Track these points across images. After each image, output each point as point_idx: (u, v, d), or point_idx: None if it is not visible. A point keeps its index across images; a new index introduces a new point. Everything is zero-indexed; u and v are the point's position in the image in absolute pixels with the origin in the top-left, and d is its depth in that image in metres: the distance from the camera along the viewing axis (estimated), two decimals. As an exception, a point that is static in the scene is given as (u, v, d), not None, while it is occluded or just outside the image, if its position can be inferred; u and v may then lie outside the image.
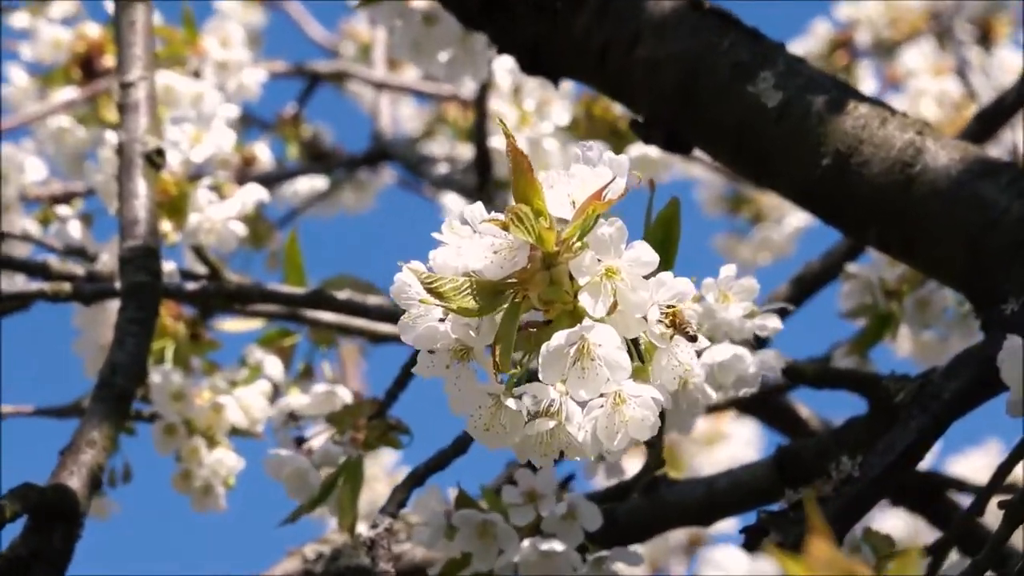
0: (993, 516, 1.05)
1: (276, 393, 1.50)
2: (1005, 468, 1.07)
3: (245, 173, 1.89)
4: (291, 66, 2.42)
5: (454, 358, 0.86)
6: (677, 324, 0.86)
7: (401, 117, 2.70)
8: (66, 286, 1.39)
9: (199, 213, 1.47)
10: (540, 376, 0.85)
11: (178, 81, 1.67)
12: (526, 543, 1.15)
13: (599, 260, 0.86)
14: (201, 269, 1.52)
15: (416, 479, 1.14)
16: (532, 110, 1.67)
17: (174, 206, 1.47)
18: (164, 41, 1.78)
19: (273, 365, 1.53)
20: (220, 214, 1.47)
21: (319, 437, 1.28)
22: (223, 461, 1.45)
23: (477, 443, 1.10)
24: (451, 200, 2.20)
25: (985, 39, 2.43)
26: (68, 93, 1.78)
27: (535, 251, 0.86)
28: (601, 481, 1.31)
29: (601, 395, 0.86)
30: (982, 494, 1.08)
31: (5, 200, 1.71)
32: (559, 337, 0.84)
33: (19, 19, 1.86)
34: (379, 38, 2.46)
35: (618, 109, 1.67)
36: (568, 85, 1.65)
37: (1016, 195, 1.17)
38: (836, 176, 1.22)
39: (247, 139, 2.10)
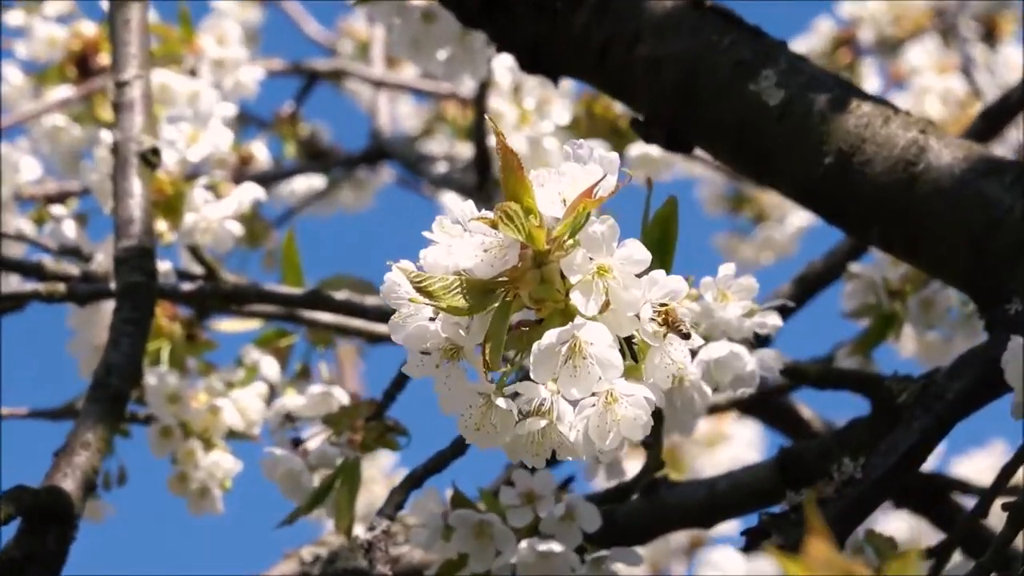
0: (997, 518, 1.04)
1: (273, 394, 1.50)
2: (1009, 470, 1.06)
3: (242, 172, 1.88)
4: (289, 64, 2.42)
5: (444, 357, 0.86)
6: (670, 322, 0.86)
7: (400, 115, 2.70)
8: (61, 286, 1.39)
9: (195, 213, 1.46)
10: (531, 375, 0.85)
11: (174, 79, 1.67)
12: (524, 544, 1.14)
13: (591, 258, 0.85)
14: (197, 269, 1.51)
15: (414, 481, 1.14)
16: (532, 109, 1.66)
17: (170, 206, 1.46)
18: (160, 39, 1.78)
19: (270, 366, 1.53)
20: (216, 213, 1.46)
21: (316, 438, 1.27)
22: (219, 464, 1.45)
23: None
24: (450, 199, 2.19)
25: (990, 36, 2.42)
26: (63, 92, 1.79)
27: (526, 249, 0.86)
28: (601, 483, 1.31)
29: (593, 394, 0.85)
30: (986, 496, 1.07)
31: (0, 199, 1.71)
32: (550, 335, 0.84)
33: (14, 17, 1.86)
34: (377, 36, 2.46)
35: (619, 108, 1.67)
36: (569, 84, 1.64)
37: (1021, 194, 1.16)
38: (838, 175, 1.21)
39: (244, 138, 2.10)
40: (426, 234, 0.87)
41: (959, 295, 1.47)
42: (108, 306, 1.33)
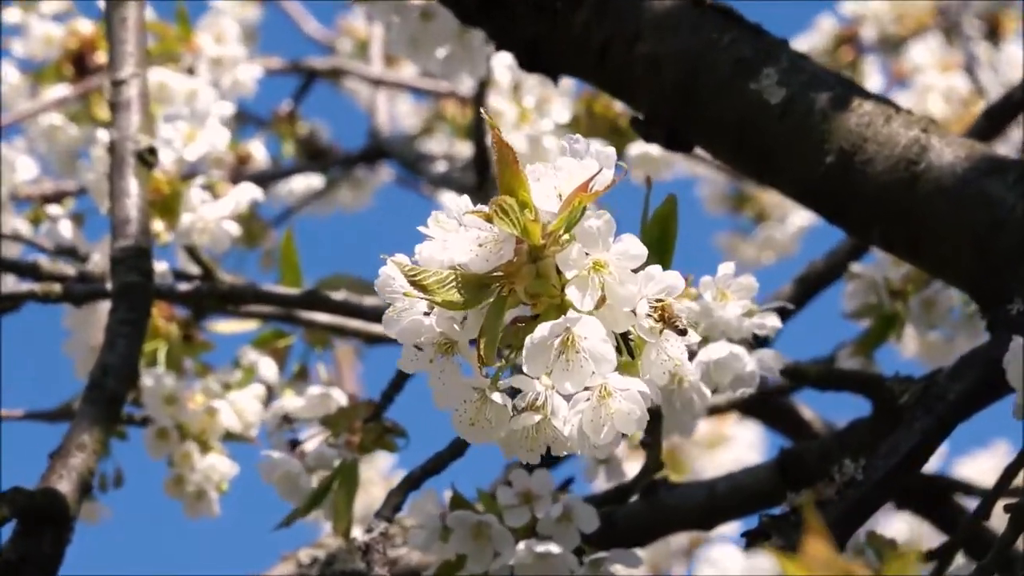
0: (1000, 520, 1.04)
1: (270, 395, 1.50)
2: (1011, 471, 1.05)
3: (240, 171, 1.88)
4: (287, 63, 2.41)
5: (439, 352, 0.86)
6: (666, 318, 0.85)
7: (399, 114, 2.70)
8: (56, 287, 1.38)
9: (192, 212, 1.46)
10: (525, 369, 0.84)
11: (172, 78, 1.67)
12: (521, 545, 1.14)
13: (586, 253, 0.85)
14: (194, 269, 1.51)
15: (412, 483, 1.13)
16: (532, 107, 1.66)
17: (167, 205, 1.46)
18: (157, 37, 1.78)
19: (267, 367, 1.53)
20: (213, 213, 1.46)
21: (313, 440, 1.27)
22: (216, 466, 1.44)
23: (474, 447, 1.10)
24: (449, 199, 2.18)
25: (993, 34, 2.42)
26: (60, 90, 1.78)
27: (521, 244, 0.85)
28: (601, 484, 1.31)
29: (587, 388, 0.85)
30: (988, 498, 1.07)
31: (-4, 199, 1.71)
32: (543, 329, 0.84)
33: (10, 15, 1.85)
34: (376, 34, 2.46)
35: (619, 106, 1.66)
36: (569, 82, 1.64)
37: (1023, 193, 1.15)
38: (839, 174, 1.21)
39: (242, 137, 2.11)
40: (421, 229, 0.86)
41: (961, 295, 1.47)
42: (104, 306, 1.32)
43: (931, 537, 1.71)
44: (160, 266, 1.42)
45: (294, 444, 1.27)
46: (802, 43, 2.47)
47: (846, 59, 2.48)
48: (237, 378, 1.50)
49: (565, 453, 0.87)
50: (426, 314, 0.85)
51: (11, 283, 1.56)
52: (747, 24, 1.25)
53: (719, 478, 1.42)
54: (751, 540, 1.07)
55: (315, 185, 2.44)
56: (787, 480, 1.35)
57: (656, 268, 0.85)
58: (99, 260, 1.46)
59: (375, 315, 1.42)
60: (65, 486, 1.13)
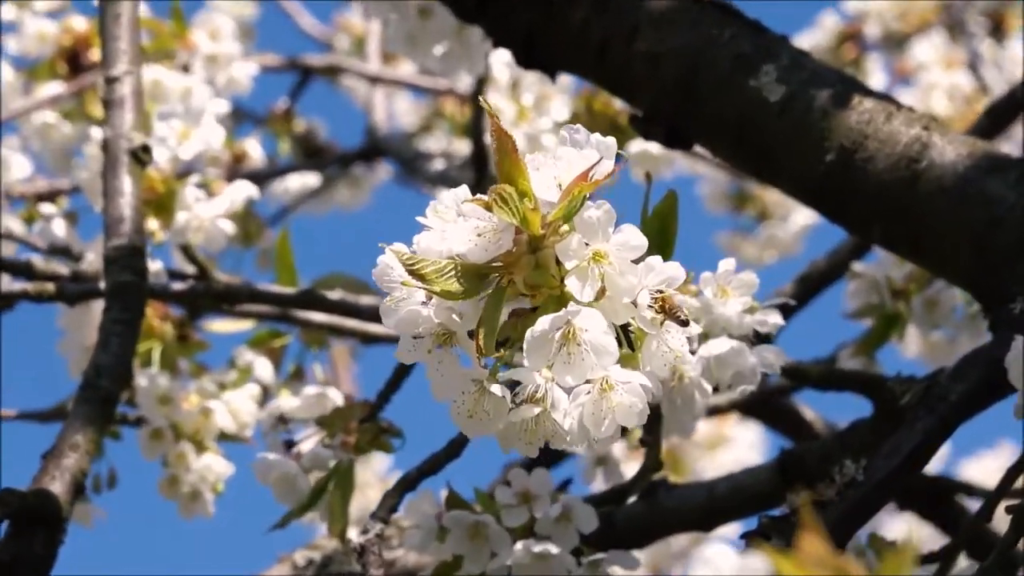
0: (1002, 521, 1.04)
1: (266, 395, 1.49)
2: (1014, 472, 1.05)
3: (235, 170, 1.87)
4: (283, 59, 2.41)
5: (437, 342, 0.85)
6: (667, 309, 0.85)
7: (398, 112, 2.69)
8: (50, 286, 1.38)
9: (187, 211, 1.46)
10: (525, 362, 0.84)
11: (166, 76, 1.66)
12: (519, 545, 1.13)
13: (586, 244, 0.84)
14: (191, 269, 1.50)
15: (408, 484, 1.13)
16: (530, 105, 1.65)
17: (161, 204, 1.46)
18: (152, 35, 1.77)
19: (263, 367, 1.54)
20: (208, 212, 1.45)
21: (309, 440, 1.26)
22: (211, 467, 1.44)
23: (471, 447, 1.09)
24: (447, 193, 2.17)
25: (997, 31, 2.41)
26: (54, 88, 1.78)
27: (520, 234, 0.85)
28: (599, 486, 1.30)
29: (588, 381, 0.84)
30: (990, 499, 1.06)
31: (-10, 198, 1.70)
32: (544, 322, 0.83)
33: (4, 12, 1.85)
34: (374, 31, 2.45)
35: (619, 104, 1.65)
36: (567, 79, 1.63)
37: (1024, 191, 1.15)
38: (840, 172, 1.20)
39: (238, 135, 2.10)
40: (420, 219, 0.86)
41: (964, 294, 1.47)
42: (98, 306, 1.31)
43: (934, 539, 1.70)
44: (154, 265, 1.42)
45: (289, 445, 1.27)
46: (805, 40, 2.47)
47: (849, 56, 2.48)
48: (232, 378, 1.50)
49: (565, 452, 0.86)
50: (424, 304, 0.85)
51: (4, 282, 1.55)
52: (747, 20, 1.25)
53: (719, 479, 1.42)
54: (751, 541, 1.06)
55: (311, 183, 2.44)
56: (787, 481, 1.35)
57: (657, 259, 0.85)
58: (93, 259, 1.46)
59: (371, 314, 1.41)
60: (58, 487, 1.12)
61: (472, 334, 0.85)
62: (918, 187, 1.18)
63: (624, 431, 0.87)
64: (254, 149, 1.95)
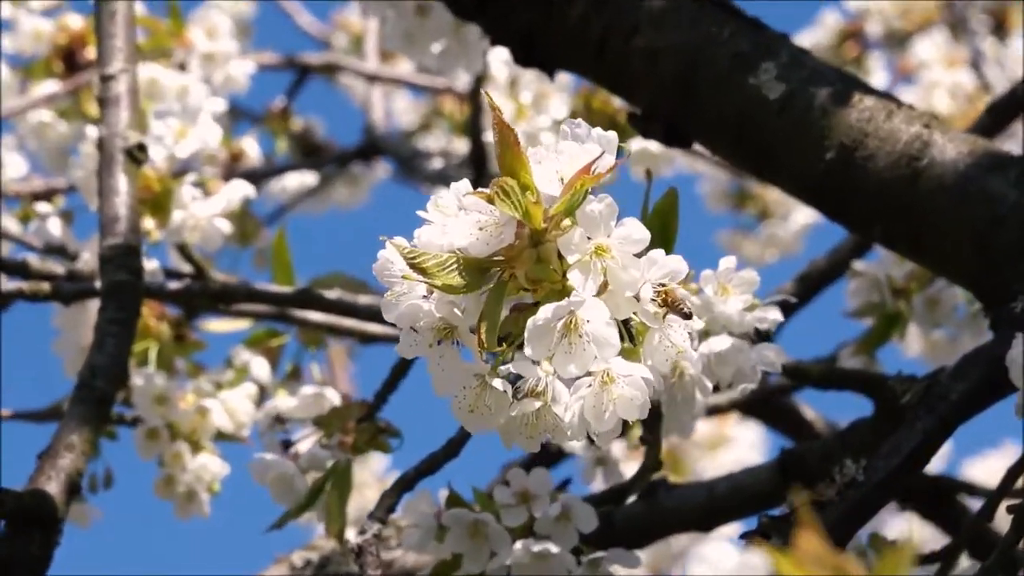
0: (1004, 520, 1.04)
1: (263, 395, 1.49)
2: (1015, 472, 1.05)
3: (232, 168, 1.87)
4: (281, 58, 2.41)
5: (438, 337, 0.85)
6: (670, 303, 0.85)
7: (396, 110, 2.69)
8: (45, 285, 1.38)
9: (183, 210, 1.46)
10: (526, 352, 0.83)
11: (163, 74, 1.66)
12: (519, 545, 1.13)
13: (588, 238, 0.84)
14: (187, 268, 1.49)
15: (406, 484, 1.13)
16: (529, 103, 1.65)
17: (158, 203, 1.46)
18: (148, 32, 1.77)
19: (260, 366, 1.53)
20: (205, 211, 1.45)
21: (306, 440, 1.26)
22: (207, 466, 1.44)
23: (469, 447, 1.09)
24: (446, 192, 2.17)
25: (1000, 29, 2.41)
26: (49, 87, 1.78)
27: (522, 228, 0.84)
28: (599, 486, 1.30)
29: (589, 374, 0.84)
30: (992, 498, 1.07)
31: (-16, 197, 1.70)
32: (546, 311, 0.83)
33: (0, 10, 1.84)
34: (372, 29, 2.45)
35: (618, 102, 1.65)
36: (566, 78, 1.63)
37: (1026, 189, 1.15)
38: (840, 170, 1.20)
39: (235, 133, 2.10)
40: (420, 213, 0.86)
41: (965, 293, 1.46)
42: (94, 305, 1.31)
43: (936, 538, 1.70)
44: (150, 264, 1.42)
45: (287, 445, 1.27)
46: (806, 38, 2.47)
47: (851, 55, 2.47)
48: (229, 378, 1.50)
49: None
50: (425, 298, 0.85)
51: (0, 282, 1.55)
52: (746, 18, 1.25)
53: (719, 478, 1.42)
54: (751, 541, 1.05)
55: (309, 182, 2.44)
56: (788, 481, 1.34)
57: (659, 252, 0.85)
58: (88, 258, 1.45)
59: (369, 314, 1.41)
60: (53, 487, 1.12)
61: (474, 329, 0.84)
62: (919, 185, 1.17)
63: (624, 427, 0.86)
64: (251, 148, 1.94)
